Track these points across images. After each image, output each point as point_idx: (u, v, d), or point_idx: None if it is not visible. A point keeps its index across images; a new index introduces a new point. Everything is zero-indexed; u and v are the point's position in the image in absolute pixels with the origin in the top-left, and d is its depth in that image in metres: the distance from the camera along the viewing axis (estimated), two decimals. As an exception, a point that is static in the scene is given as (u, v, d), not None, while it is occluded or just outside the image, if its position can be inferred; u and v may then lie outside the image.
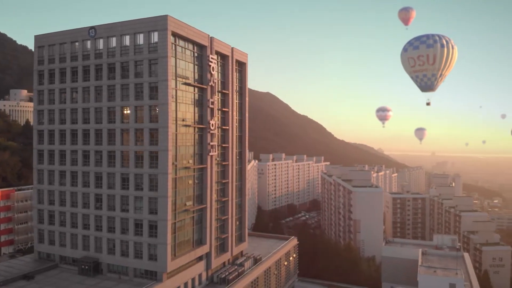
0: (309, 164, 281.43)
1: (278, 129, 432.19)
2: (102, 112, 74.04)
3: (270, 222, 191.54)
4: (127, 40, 71.89)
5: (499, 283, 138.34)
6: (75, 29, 76.32)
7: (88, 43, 75.22)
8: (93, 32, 73.99)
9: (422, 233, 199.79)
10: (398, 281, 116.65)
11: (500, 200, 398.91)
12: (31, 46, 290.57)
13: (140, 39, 70.71)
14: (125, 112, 72.44)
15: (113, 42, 73.05)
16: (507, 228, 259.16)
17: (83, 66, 75.53)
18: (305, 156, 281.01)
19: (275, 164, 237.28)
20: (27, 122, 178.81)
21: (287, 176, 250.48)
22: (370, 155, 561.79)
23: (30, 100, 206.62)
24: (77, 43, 76.23)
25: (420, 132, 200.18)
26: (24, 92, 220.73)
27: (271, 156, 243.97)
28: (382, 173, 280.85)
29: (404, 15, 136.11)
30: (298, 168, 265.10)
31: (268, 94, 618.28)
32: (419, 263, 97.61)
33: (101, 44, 74.09)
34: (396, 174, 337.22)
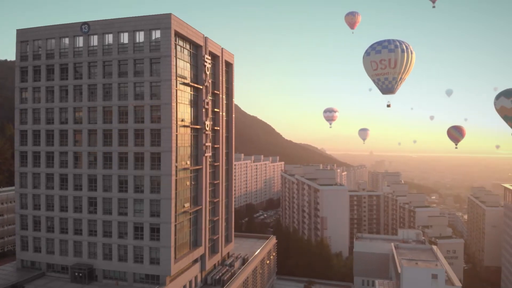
0: (266, 164, 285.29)
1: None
2: (97, 112, 70.94)
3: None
4: (125, 38, 69.48)
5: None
6: (64, 24, 72.38)
7: (80, 39, 71.66)
8: (86, 28, 70.65)
9: (377, 229, 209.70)
10: (370, 274, 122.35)
11: (437, 196, 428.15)
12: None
13: (140, 37, 68.69)
14: (123, 112, 69.91)
15: (109, 39, 70.22)
16: (448, 223, 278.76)
17: (74, 63, 71.85)
18: (262, 156, 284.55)
19: (235, 165, 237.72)
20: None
21: (246, 176, 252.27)
22: (315, 154, 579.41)
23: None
24: (67, 39, 72.34)
25: (363, 133, 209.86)
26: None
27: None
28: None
29: (351, 19, 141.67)
30: (256, 168, 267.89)
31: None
32: (396, 257, 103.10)
33: (95, 40, 70.89)
34: (345, 173, 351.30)
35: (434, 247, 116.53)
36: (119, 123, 69.88)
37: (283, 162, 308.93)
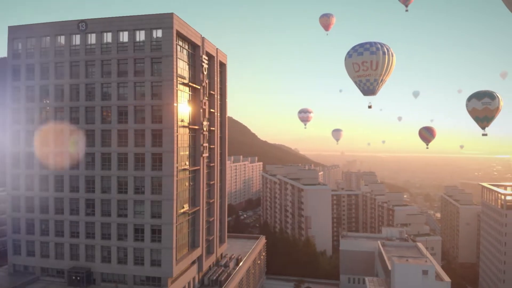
0: (245, 164, 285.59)
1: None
2: (95, 112, 69.54)
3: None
4: (125, 37, 68.44)
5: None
6: (60, 21, 70.67)
7: (77, 37, 70.06)
8: (83, 26, 69.17)
9: (356, 227, 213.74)
10: (355, 272, 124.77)
11: (408, 195, 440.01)
12: None
13: (141, 36, 67.85)
14: (122, 112, 68.79)
15: (108, 37, 69.02)
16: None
17: (71, 61, 70.17)
18: (241, 156, 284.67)
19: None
20: None
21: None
22: (290, 155, 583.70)
23: None
24: (62, 37, 70.56)
25: (337, 133, 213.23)
26: None
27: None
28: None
29: (325, 21, 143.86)
30: (236, 169, 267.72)
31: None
32: (384, 254, 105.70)
33: (93, 39, 69.50)
34: (322, 173, 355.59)
35: (419, 244, 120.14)
36: (119, 123, 68.75)
37: (261, 163, 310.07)
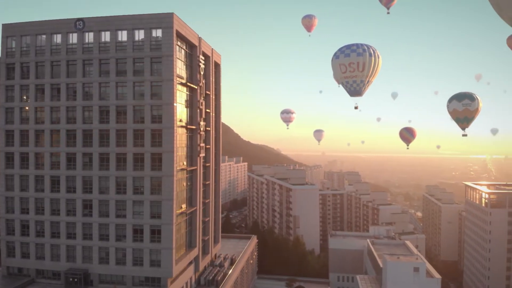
0: (230, 164, 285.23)
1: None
2: (92, 112, 68.75)
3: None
4: (123, 36, 67.90)
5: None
6: (56, 20, 69.64)
7: (74, 36, 69.14)
8: (81, 24, 68.28)
9: (341, 226, 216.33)
10: (345, 270, 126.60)
11: (389, 194, 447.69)
12: None
13: (140, 35, 67.47)
14: (121, 111, 68.25)
15: (106, 36, 68.35)
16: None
17: (67, 60, 69.20)
18: (226, 157, 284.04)
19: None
20: None
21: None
22: (272, 155, 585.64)
23: None
24: (59, 36, 69.49)
25: (318, 134, 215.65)
26: None
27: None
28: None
29: (307, 22, 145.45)
30: (221, 169, 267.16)
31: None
32: (374, 252, 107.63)
33: (90, 38, 68.70)
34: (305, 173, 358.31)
35: (408, 242, 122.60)
36: (117, 123, 68.15)
37: (246, 163, 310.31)
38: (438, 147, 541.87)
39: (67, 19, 68.88)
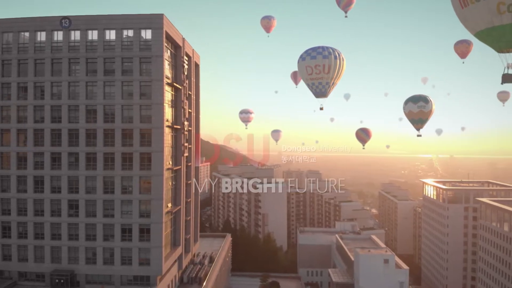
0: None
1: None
2: (79, 111, 68.06)
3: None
4: (112, 35, 67.79)
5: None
6: (40, 17, 68.12)
7: (59, 34, 68.06)
8: (66, 22, 67.40)
9: (304, 223, 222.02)
10: (313, 265, 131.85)
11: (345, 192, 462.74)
12: None
13: (129, 35, 67.66)
14: (109, 111, 68.08)
15: (93, 35, 67.91)
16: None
17: (52, 59, 68.03)
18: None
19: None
20: None
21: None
22: (231, 154, 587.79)
23: None
24: (43, 33, 68.15)
25: (276, 134, 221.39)
26: None
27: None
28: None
29: (266, 23, 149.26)
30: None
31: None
32: (344, 246, 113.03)
33: (77, 36, 67.95)
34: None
35: (373, 236, 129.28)
36: (105, 123, 67.92)
37: (209, 163, 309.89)
38: (388, 146, 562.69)
39: (52, 16, 67.69)
